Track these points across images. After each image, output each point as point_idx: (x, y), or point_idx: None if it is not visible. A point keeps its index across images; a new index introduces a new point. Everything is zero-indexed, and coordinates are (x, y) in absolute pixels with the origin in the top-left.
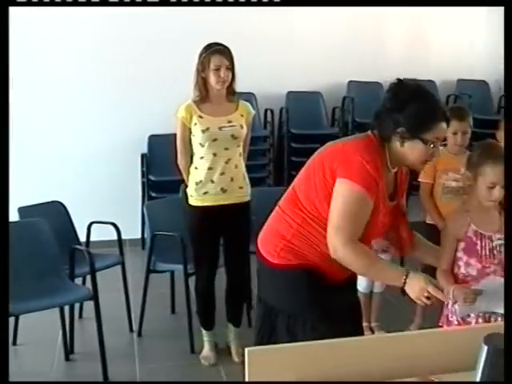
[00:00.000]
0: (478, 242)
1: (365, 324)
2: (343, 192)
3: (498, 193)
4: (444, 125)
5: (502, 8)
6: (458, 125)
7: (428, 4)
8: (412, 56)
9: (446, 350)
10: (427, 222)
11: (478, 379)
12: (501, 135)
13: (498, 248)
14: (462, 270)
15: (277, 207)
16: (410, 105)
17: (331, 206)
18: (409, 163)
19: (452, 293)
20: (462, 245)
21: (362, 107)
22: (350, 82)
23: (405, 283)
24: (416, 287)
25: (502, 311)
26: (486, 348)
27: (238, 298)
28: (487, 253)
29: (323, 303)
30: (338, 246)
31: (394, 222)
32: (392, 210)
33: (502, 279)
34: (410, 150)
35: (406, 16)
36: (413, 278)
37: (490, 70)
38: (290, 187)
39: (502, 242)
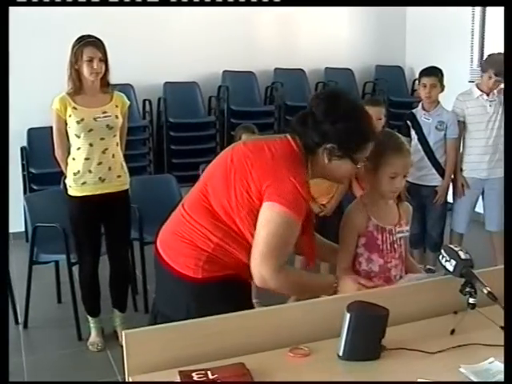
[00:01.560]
0: (379, 237)
1: None
2: (274, 218)
3: (400, 183)
4: (372, 143)
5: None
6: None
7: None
8: (283, 47)
9: (314, 319)
10: None
11: (342, 343)
12: None
13: (398, 241)
14: (364, 266)
15: (182, 210)
16: (346, 122)
17: (258, 231)
18: (330, 178)
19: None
20: (362, 240)
21: (236, 95)
22: (225, 71)
23: (336, 291)
24: (348, 291)
25: None
26: (348, 315)
27: (121, 283)
28: (388, 247)
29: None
30: (267, 277)
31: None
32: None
33: (417, 275)
34: (338, 168)
35: (277, 10)
36: (343, 285)
37: (354, 58)
38: (199, 189)
39: (403, 234)
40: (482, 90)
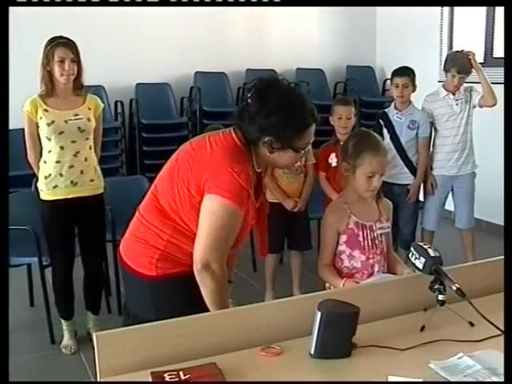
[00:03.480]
0: (360, 233)
1: None
2: (215, 209)
3: (378, 181)
4: (314, 126)
5: (333, 7)
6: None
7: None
8: (254, 48)
9: (285, 318)
10: (270, 200)
11: (313, 342)
12: (333, 119)
13: (379, 238)
14: (346, 263)
15: (137, 213)
16: (278, 113)
17: (201, 222)
18: (277, 166)
19: (343, 286)
20: (343, 238)
21: (208, 96)
22: (197, 72)
23: None
24: None
25: None
26: (319, 313)
27: (95, 286)
28: (369, 243)
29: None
30: (212, 264)
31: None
32: (256, 209)
33: (391, 275)
34: (280, 158)
35: (248, 11)
36: None
37: (325, 59)
38: (151, 190)
39: (383, 230)
40: (447, 90)
